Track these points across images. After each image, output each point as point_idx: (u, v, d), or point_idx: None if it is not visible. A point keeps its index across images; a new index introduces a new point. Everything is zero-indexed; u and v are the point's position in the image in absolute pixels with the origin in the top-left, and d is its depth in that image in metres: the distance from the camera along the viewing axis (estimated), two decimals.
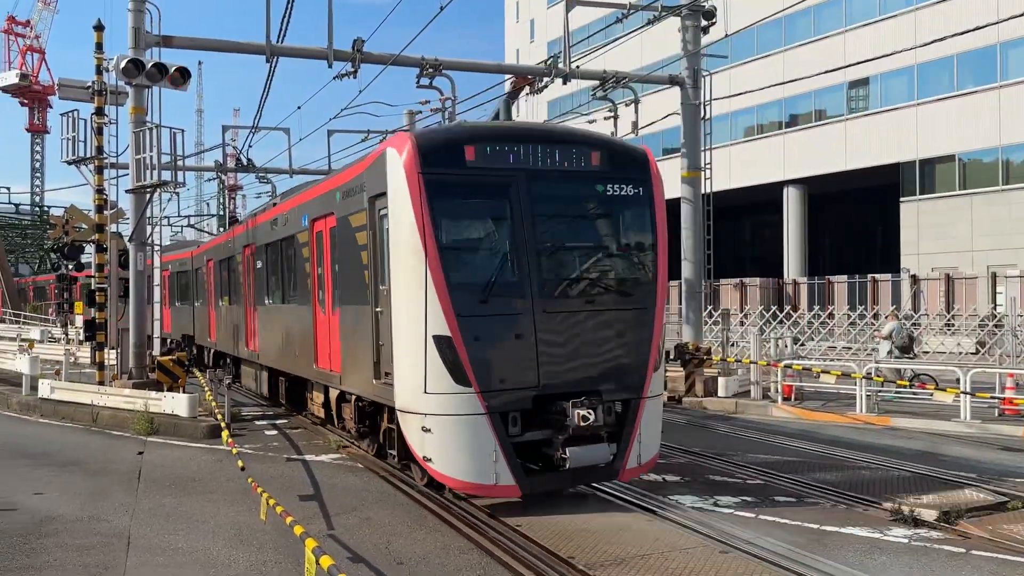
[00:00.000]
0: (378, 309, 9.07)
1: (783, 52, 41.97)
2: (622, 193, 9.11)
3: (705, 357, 16.42)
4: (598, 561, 6.50)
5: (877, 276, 35.76)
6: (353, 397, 10.35)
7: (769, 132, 43.73)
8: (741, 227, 55.03)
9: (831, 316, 27.22)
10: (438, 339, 7.93)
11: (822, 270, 41.82)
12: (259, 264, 15.07)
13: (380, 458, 10.23)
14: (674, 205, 19.22)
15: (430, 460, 8.02)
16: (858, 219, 48.02)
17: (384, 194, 8.65)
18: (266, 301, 14.77)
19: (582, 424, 7.86)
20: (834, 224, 49.19)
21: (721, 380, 16.13)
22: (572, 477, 8.29)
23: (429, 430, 8.00)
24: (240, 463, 8.80)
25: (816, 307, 29.89)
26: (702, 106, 18.01)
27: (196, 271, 21.74)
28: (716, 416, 15.06)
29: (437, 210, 8.16)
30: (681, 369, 16.42)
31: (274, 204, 15.24)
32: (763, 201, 46.21)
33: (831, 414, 14.37)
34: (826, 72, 25.65)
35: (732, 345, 20.95)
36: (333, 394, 11.34)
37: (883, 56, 22.85)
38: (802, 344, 23.03)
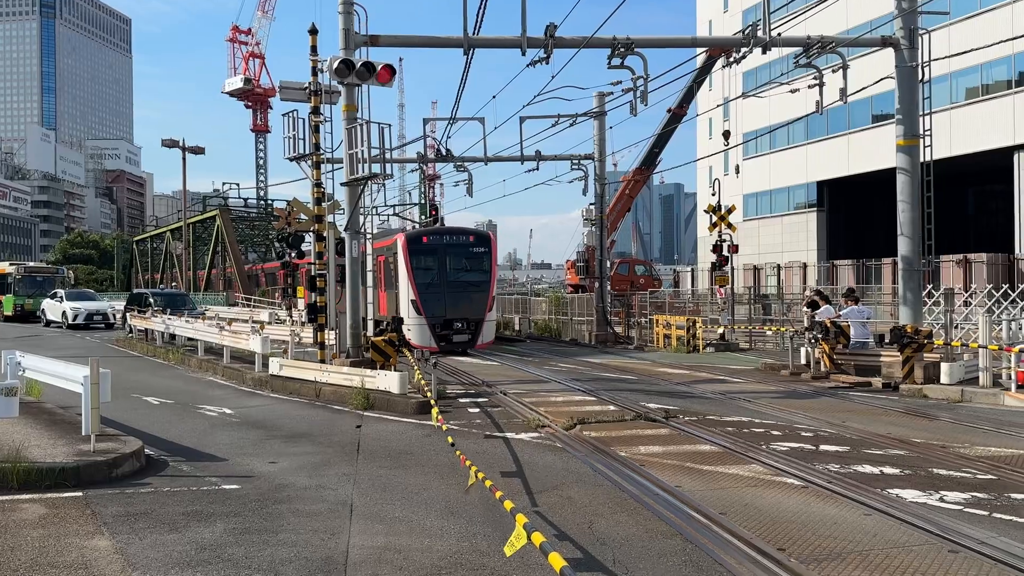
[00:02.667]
0: (395, 291, 24.85)
1: (1012, 3, 37.80)
2: (478, 251, 25.39)
3: (925, 341, 15.21)
4: (811, 555, 6.22)
5: None
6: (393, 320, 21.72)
7: (996, 92, 39.60)
8: (963, 198, 50.47)
9: None
10: (412, 301, 23.59)
11: None
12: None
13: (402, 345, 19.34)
14: (890, 176, 17.92)
15: (410, 339, 21.31)
16: None
17: (396, 252, 24.70)
18: (361, 287, 30.46)
19: (456, 328, 23.89)
20: None
21: (944, 366, 14.86)
22: (455, 346, 23.75)
23: (410, 329, 22.39)
24: (449, 439, 9.21)
25: None
26: (919, 68, 16.61)
27: None
28: (938, 404, 13.93)
29: (412, 258, 24.14)
30: (898, 354, 15.32)
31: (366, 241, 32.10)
32: (989, 169, 42.12)
33: None
34: None
35: (955, 328, 19.28)
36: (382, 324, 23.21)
37: None
38: None
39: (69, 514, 7.59)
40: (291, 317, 25.79)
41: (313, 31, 16.30)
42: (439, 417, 10.38)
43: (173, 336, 26.01)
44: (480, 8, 16.28)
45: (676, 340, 25.75)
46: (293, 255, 22.98)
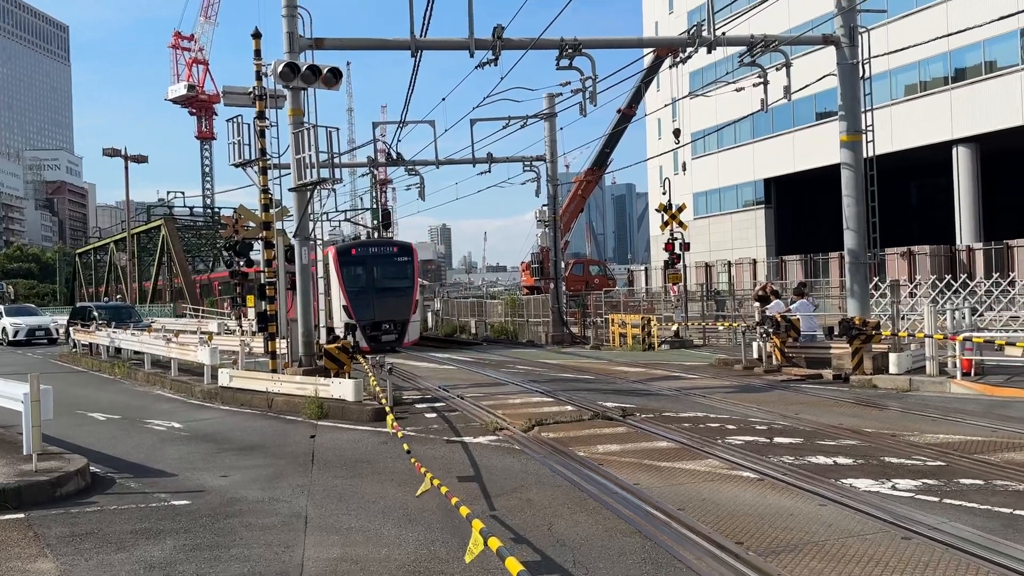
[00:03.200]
0: (330, 297, 27.81)
1: (947, 1, 38.89)
2: (402, 260, 28.84)
3: (873, 332, 15.50)
4: (769, 548, 6.26)
5: None
6: (329, 328, 23.56)
7: (934, 89, 40.68)
8: (906, 192, 51.71)
9: (1012, 284, 25.06)
10: (344, 307, 27.10)
11: (1000, 235, 38.54)
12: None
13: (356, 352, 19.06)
14: (835, 172, 18.22)
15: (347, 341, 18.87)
16: None
17: (328, 263, 27.90)
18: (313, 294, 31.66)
19: (384, 328, 27.20)
20: (1012, 184, 45.29)
21: (892, 356, 15.18)
22: (384, 344, 26.49)
23: (345, 332, 22.87)
24: (405, 446, 9.08)
25: (995, 274, 27.62)
26: (860, 65, 16.94)
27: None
28: (887, 394, 14.21)
29: (343, 268, 27.71)
30: (847, 346, 15.59)
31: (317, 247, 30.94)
32: (930, 163, 43.21)
33: (1017, 389, 13.25)
34: (999, 19, 23.48)
35: (902, 318, 19.72)
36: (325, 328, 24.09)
37: None
38: (980, 315, 21.35)
39: (10, 537, 7.30)
40: (241, 327, 25.30)
41: (256, 35, 16.00)
42: (395, 424, 10.24)
43: (119, 350, 25.38)
44: (427, 10, 16.19)
45: (632, 338, 25.89)
46: (242, 264, 22.52)
